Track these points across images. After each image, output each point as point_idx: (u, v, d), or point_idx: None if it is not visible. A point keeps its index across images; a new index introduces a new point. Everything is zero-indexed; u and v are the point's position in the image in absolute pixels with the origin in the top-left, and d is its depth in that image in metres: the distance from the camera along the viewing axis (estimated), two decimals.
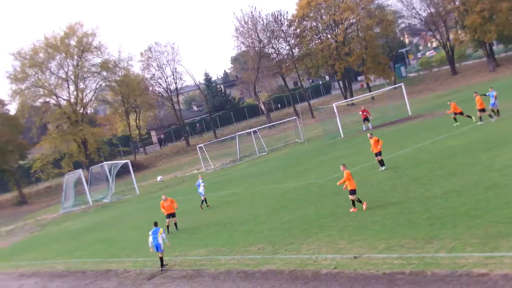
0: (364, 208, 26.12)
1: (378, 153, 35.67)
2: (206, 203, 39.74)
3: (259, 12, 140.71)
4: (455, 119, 44.77)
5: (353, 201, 26.68)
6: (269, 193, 38.05)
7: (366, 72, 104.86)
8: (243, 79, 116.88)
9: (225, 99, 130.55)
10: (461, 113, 44.42)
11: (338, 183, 28.17)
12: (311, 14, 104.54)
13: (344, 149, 50.22)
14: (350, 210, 26.59)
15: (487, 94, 42.31)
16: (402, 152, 39.55)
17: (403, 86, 68.87)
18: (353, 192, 26.66)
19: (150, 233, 26.51)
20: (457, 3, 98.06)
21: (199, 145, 71.91)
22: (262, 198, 36.87)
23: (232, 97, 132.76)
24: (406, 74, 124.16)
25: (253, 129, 73.60)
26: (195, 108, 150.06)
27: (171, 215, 33.60)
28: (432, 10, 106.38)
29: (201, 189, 39.57)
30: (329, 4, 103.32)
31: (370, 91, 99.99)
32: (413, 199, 25.41)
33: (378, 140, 35.91)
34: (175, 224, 33.85)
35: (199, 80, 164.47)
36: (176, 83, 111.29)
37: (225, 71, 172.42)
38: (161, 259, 26.03)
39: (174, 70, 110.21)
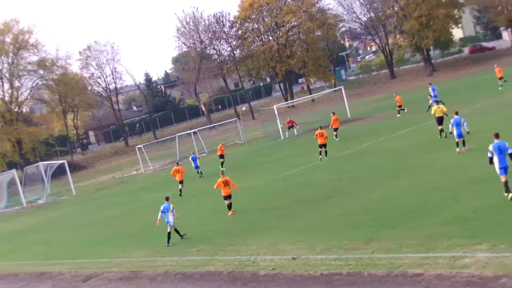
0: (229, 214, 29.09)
1: (323, 145, 38.98)
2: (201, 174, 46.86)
3: (201, 13, 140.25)
4: (398, 111, 51.00)
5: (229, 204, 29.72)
6: (211, 194, 37.73)
7: (307, 75, 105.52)
8: (184, 79, 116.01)
9: (165, 100, 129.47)
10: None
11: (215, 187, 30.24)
12: (253, 16, 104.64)
13: (285, 151, 50.38)
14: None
15: (430, 89, 47.90)
16: (342, 154, 39.86)
17: (343, 89, 69.57)
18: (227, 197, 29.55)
19: (161, 208, 26.86)
20: (396, 8, 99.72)
21: (138, 146, 71.05)
22: (204, 199, 36.62)
23: (172, 98, 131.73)
24: (346, 77, 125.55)
25: (193, 130, 73.06)
26: (135, 108, 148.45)
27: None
28: (372, 14, 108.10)
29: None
30: (271, 7, 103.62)
31: (310, 94, 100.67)
32: (354, 201, 25.59)
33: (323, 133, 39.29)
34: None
35: (139, 80, 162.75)
36: (115, 83, 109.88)
37: (166, 71, 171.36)
38: (169, 234, 26.45)
39: (113, 70, 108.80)
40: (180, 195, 39.71)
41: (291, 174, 37.28)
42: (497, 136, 20.89)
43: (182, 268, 22.36)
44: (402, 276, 15.82)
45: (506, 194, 20.20)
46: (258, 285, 18.46)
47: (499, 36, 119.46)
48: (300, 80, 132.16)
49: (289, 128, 62.32)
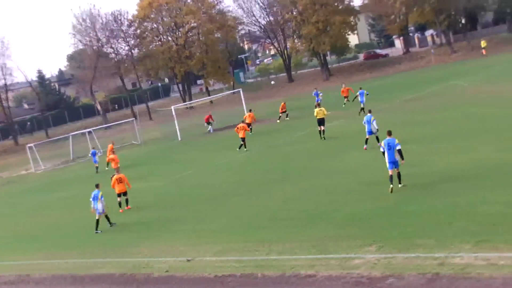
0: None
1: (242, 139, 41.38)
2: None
3: (98, 10, 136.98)
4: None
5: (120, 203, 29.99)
6: (106, 195, 36.95)
7: (206, 76, 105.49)
8: (79, 78, 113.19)
9: (59, 98, 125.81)
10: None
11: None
12: (152, 16, 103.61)
13: (181, 153, 50.10)
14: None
15: (358, 93, 48.83)
16: (240, 156, 40.09)
17: (241, 92, 69.96)
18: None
19: (91, 195, 26.99)
20: (294, 13, 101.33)
21: (29, 145, 68.73)
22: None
23: (67, 96, 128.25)
24: (245, 80, 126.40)
25: (88, 130, 71.47)
26: (26, 106, 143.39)
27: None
28: (271, 18, 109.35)
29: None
30: (171, 7, 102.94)
31: (209, 95, 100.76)
32: (250, 203, 25.77)
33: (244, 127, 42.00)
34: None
35: (32, 77, 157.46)
36: (5, 79, 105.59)
37: (60, 69, 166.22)
38: (97, 221, 26.73)
39: (3, 65, 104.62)
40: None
41: (187, 175, 37.15)
42: (389, 133, 23.02)
43: (72, 270, 21.80)
44: (295, 277, 16.08)
45: (390, 186, 22.20)
46: (151, 287, 18.28)
47: (392, 44, 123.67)
48: (199, 82, 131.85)
49: (208, 123, 62.06)
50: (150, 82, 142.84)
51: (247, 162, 37.12)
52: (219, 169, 37.00)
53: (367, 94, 49.22)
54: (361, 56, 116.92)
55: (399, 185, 22.60)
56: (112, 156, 42.96)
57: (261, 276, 16.78)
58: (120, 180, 29.78)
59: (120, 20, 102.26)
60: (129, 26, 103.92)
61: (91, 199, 27.20)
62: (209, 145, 51.34)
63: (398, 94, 52.64)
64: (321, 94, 60.03)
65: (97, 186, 27.44)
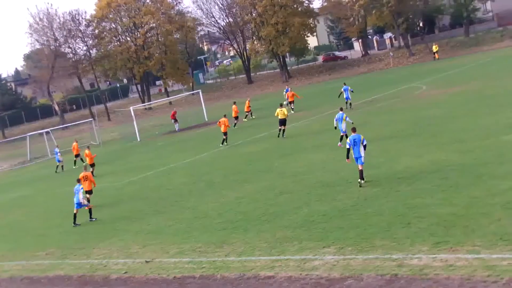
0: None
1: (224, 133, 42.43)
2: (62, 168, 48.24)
3: (56, 9, 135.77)
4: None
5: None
6: (64, 196, 36.54)
7: (165, 77, 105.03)
8: (36, 78, 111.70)
9: (16, 98, 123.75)
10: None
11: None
12: (110, 16, 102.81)
13: (141, 153, 49.82)
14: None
15: (342, 89, 49.09)
16: (198, 157, 39.99)
17: (200, 93, 69.89)
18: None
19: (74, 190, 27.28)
20: (254, 14, 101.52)
21: None
22: (56, 201, 35.34)
23: (24, 96, 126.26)
24: (204, 81, 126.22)
25: (46, 130, 70.58)
26: None
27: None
28: (231, 20, 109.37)
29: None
30: (130, 7, 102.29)
31: (168, 96, 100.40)
32: (208, 204, 25.69)
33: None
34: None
35: None
36: None
37: (16, 68, 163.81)
38: (75, 215, 27.08)
39: None
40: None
41: (146, 176, 36.89)
42: (354, 130, 23.75)
43: (29, 272, 21.47)
44: (255, 278, 16.06)
45: (359, 181, 22.98)
46: None
47: (351, 46, 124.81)
48: (158, 82, 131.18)
49: (174, 120, 61.69)
50: (108, 82, 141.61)
51: (205, 163, 37.02)
52: (177, 170, 36.83)
53: (352, 91, 49.77)
54: (320, 58, 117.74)
55: (362, 181, 23.05)
56: (87, 151, 42.67)
57: (220, 277, 16.73)
58: (85, 178, 29.71)
59: (78, 20, 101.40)
60: (87, 26, 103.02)
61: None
62: (168, 146, 51.10)
63: (356, 95, 53.01)
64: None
65: (78, 181, 27.79)
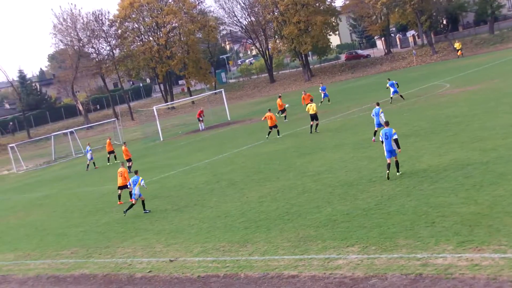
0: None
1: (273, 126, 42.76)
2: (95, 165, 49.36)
3: (79, 10, 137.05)
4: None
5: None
6: (86, 195, 36.91)
7: (187, 77, 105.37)
8: (60, 78, 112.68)
9: (40, 98, 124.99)
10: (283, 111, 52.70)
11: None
12: (133, 16, 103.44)
13: (163, 153, 50.04)
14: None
15: (388, 85, 49.68)
16: (221, 156, 40.05)
17: (223, 92, 70.01)
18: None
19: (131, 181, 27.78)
20: (276, 13, 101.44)
21: (10, 145, 68.35)
22: (78, 201, 35.65)
23: (48, 96, 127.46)
24: (226, 80, 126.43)
25: (70, 130, 71.21)
26: (7, 106, 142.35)
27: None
28: (253, 19, 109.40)
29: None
30: (152, 7, 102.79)
31: (191, 96, 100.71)
32: (230, 203, 25.72)
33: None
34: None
35: (13, 77, 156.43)
36: None
37: (41, 69, 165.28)
38: (131, 205, 27.74)
39: None
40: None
41: (168, 176, 37.04)
42: (387, 124, 24.66)
43: (55, 271, 21.67)
44: (278, 278, 16.05)
45: (388, 172, 23.63)
46: (134, 287, 18.22)
47: (374, 45, 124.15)
48: (180, 82, 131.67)
49: (199, 119, 62.03)
50: (131, 82, 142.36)
51: (226, 162, 37.04)
52: (199, 169, 36.91)
53: (397, 84, 50.23)
54: (343, 57, 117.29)
55: (397, 173, 23.88)
56: (123, 148, 43.72)
57: (244, 276, 16.74)
58: (121, 174, 30.76)
59: (101, 20, 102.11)
60: (110, 26, 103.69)
61: (129, 184, 28.09)
62: (190, 145, 51.25)
63: (379, 94, 52.77)
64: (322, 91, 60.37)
65: (136, 172, 28.14)
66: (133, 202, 27.65)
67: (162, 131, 62.13)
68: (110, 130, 78.34)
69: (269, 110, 43.90)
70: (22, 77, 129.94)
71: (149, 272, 19.02)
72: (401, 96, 48.76)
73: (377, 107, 32.95)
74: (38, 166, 63.36)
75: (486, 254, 14.40)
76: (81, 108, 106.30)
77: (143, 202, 27.87)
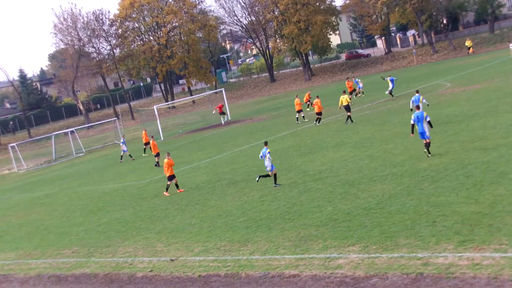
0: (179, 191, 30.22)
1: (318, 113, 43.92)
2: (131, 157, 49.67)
3: (80, 9, 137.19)
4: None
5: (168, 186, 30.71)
6: (86, 194, 36.94)
7: (188, 76, 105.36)
8: (61, 77, 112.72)
9: (41, 97, 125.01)
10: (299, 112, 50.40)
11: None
12: (133, 15, 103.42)
13: (163, 152, 49.90)
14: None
15: (385, 78, 52.05)
16: (221, 155, 40.06)
17: (223, 91, 70.00)
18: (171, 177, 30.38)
19: (260, 153, 27.74)
20: (276, 13, 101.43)
21: (11, 144, 68.40)
22: (79, 200, 35.69)
23: (49, 96, 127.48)
24: (227, 80, 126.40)
25: (70, 129, 71.25)
26: (8, 105, 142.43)
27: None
28: (253, 18, 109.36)
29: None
30: (152, 6, 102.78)
31: (191, 95, 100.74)
32: (231, 203, 25.73)
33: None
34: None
35: (13, 76, 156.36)
36: None
37: (42, 68, 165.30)
38: (275, 176, 27.25)
39: None
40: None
41: None
42: (418, 107, 27.07)
43: (56, 270, 21.71)
44: (279, 277, 16.06)
45: (425, 151, 25.70)
46: (135, 287, 18.22)
47: (374, 44, 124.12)
48: (181, 81, 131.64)
49: (221, 113, 62.46)
50: (132, 81, 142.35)
51: (227, 162, 37.04)
52: (200, 168, 36.93)
53: (396, 79, 52.21)
54: (343, 56, 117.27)
55: (428, 155, 25.60)
56: (151, 141, 43.79)
57: (244, 276, 16.75)
58: (169, 165, 30.36)
59: (102, 19, 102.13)
60: (111, 25, 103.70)
61: (260, 157, 27.75)
62: (190, 144, 51.27)
63: (379, 94, 52.78)
64: (361, 81, 61.04)
65: (265, 143, 27.81)
66: (270, 174, 27.39)
67: (163, 130, 62.16)
68: (111, 129, 78.36)
69: (317, 96, 45.79)
70: (22, 76, 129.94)
71: (150, 271, 19.04)
72: (390, 93, 50.57)
73: (417, 94, 34.04)
74: (38, 166, 63.38)
75: (487, 253, 14.42)
76: (81, 107, 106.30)
77: (275, 175, 27.34)
